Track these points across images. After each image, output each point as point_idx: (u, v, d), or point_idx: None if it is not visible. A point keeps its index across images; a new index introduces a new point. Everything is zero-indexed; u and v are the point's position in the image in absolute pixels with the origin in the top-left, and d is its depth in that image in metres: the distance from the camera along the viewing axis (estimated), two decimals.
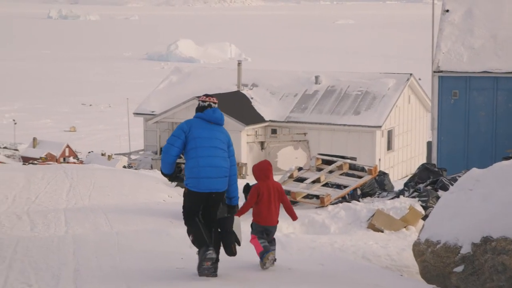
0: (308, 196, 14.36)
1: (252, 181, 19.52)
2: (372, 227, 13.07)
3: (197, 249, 8.73)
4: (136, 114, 44.23)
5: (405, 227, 13.09)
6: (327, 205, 13.93)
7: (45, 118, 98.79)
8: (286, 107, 40.98)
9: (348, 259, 10.87)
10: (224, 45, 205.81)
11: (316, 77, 42.54)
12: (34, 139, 74.32)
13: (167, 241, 11.03)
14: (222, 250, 8.90)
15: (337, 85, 41.91)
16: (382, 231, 12.97)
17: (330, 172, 15.25)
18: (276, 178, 31.28)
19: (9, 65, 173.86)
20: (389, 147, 40.37)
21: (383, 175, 15.59)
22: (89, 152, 72.34)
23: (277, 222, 9.54)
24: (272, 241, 9.48)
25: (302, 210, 13.86)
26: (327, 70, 52.60)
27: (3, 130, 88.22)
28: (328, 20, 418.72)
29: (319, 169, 15.43)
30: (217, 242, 8.78)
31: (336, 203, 14.13)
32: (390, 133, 40.26)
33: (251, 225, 9.53)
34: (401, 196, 14.28)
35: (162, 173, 8.94)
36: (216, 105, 8.94)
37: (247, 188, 15.20)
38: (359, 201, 14.37)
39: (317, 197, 14.20)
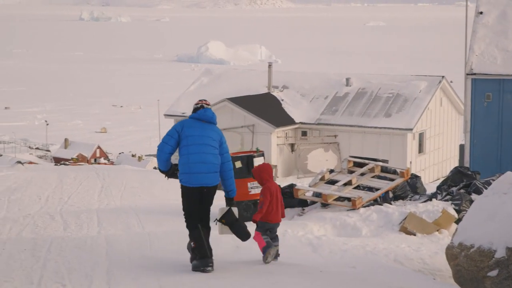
0: (340, 199, 14.28)
1: (282, 183, 19.49)
2: (404, 230, 12.97)
3: (192, 250, 9.32)
4: (167, 115, 44.42)
5: (437, 231, 12.98)
6: (358, 208, 13.85)
7: (76, 119, 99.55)
8: (317, 109, 40.91)
9: (380, 262, 10.80)
10: (254, 47, 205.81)
11: (347, 79, 42.43)
12: (66, 140, 74.89)
13: None
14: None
15: (368, 87, 41.75)
16: (414, 234, 12.86)
17: (362, 174, 15.15)
18: (307, 180, 31.05)
19: (41, 67, 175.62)
20: (421, 150, 40.11)
21: (415, 178, 15.46)
22: (120, 153, 72.76)
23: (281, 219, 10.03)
24: (275, 238, 9.90)
25: (333, 212, 13.81)
26: (358, 72, 52.45)
27: (35, 131, 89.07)
28: (359, 22, 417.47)
29: (351, 172, 15.34)
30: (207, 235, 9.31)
31: (367, 205, 14.04)
32: (421, 136, 40.00)
33: (257, 223, 9.85)
34: (434, 199, 14.15)
35: (159, 170, 9.52)
36: (209, 107, 9.53)
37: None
38: (391, 204, 14.26)
39: (348, 199, 14.12)
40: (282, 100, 41.79)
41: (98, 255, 10.03)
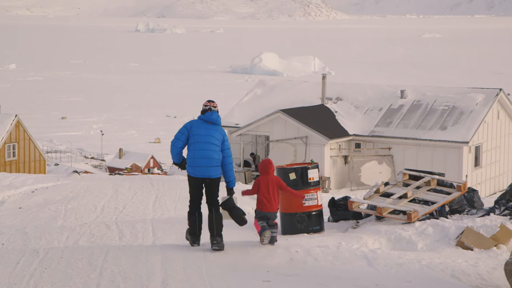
0: (395, 212, 14.13)
1: (336, 195, 19.40)
2: (461, 244, 12.77)
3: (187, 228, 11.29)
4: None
5: (495, 246, 12.74)
6: (414, 221, 13.68)
7: (130, 130, 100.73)
8: (371, 121, 40.62)
9: (436, 277, 10.64)
10: (308, 58, 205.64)
11: (402, 92, 42.05)
12: (120, 150, 75.84)
13: (252, 253, 11.05)
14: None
15: (423, 99, 41.32)
16: (471, 249, 12.65)
17: (418, 187, 14.97)
18: (361, 193, 30.82)
19: (98, 78, 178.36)
20: (477, 163, 39.48)
21: (472, 192, 15.21)
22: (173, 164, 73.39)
23: (277, 209, 11.47)
24: (274, 225, 11.40)
25: (388, 225, 13.67)
26: (413, 84, 51.93)
27: (91, 140, 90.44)
28: (414, 34, 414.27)
29: (406, 185, 15.18)
30: (210, 221, 10.96)
31: (423, 219, 13.86)
32: (477, 149, 39.39)
33: (255, 211, 11.47)
34: (492, 214, 13.91)
35: (174, 162, 11.11)
36: (216, 109, 11.06)
37: (332, 202, 15.11)
38: (447, 217, 14.06)
39: (404, 213, 13.97)
40: (336, 111, 41.63)
41: (153, 265, 10.08)
